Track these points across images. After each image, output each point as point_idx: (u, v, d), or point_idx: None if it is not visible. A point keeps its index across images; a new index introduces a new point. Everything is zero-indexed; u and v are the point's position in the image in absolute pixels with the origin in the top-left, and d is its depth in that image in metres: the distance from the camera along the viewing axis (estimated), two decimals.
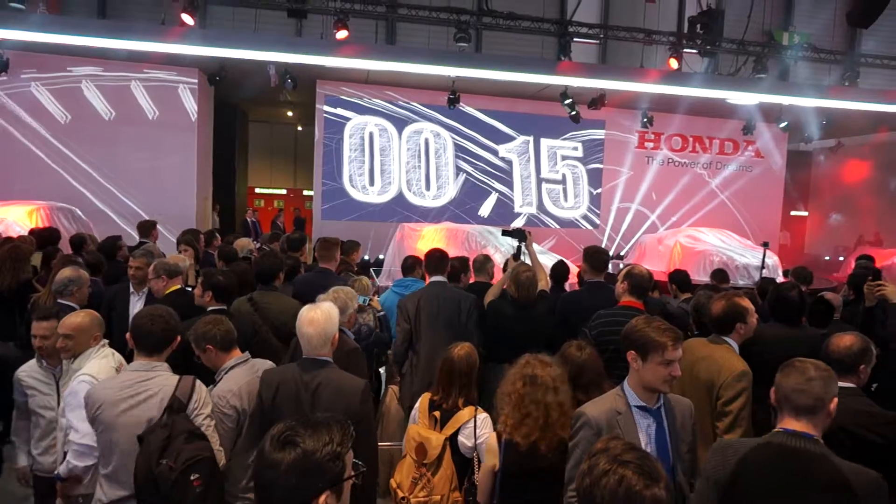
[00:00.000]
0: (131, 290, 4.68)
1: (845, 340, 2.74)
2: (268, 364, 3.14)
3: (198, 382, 2.73)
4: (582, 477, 1.45)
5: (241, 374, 2.95)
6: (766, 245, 9.91)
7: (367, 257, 12.55)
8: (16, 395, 3.31)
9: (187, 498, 2.34)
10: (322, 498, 1.39)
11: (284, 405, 2.63)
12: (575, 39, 12.45)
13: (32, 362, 3.31)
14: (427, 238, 11.04)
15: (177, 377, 2.70)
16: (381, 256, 12.67)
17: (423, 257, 5.00)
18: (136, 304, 4.58)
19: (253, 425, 2.74)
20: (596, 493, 1.39)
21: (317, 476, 1.38)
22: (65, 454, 2.84)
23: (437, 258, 4.80)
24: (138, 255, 4.88)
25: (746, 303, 3.32)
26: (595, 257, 4.59)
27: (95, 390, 2.63)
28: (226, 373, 2.97)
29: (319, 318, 2.72)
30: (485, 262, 5.18)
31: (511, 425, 2.59)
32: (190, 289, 4.42)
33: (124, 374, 2.71)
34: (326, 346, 2.75)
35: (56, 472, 2.84)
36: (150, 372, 2.67)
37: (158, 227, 7.46)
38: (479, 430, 2.95)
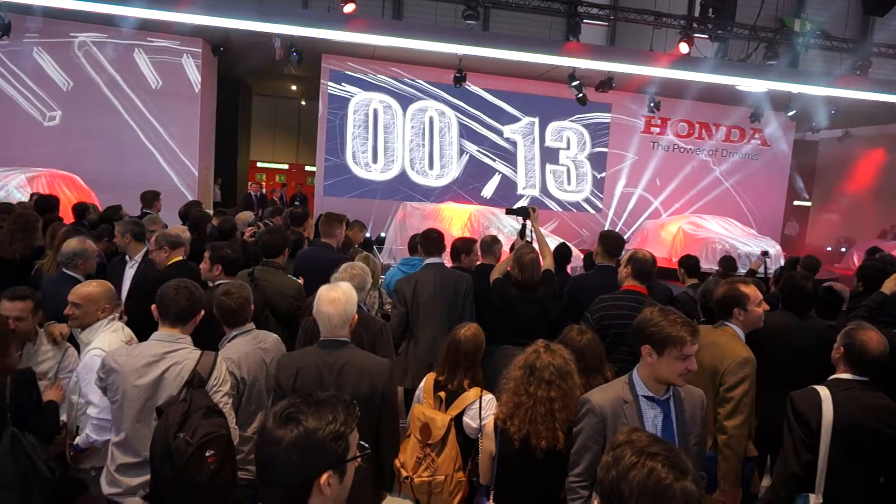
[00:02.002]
0: (126, 258, 4.69)
1: (880, 343, 2.67)
2: (272, 337, 3.14)
3: (219, 359, 2.72)
4: (607, 469, 1.40)
5: (243, 345, 3.00)
6: (766, 254, 9.57)
7: (368, 235, 12.49)
8: None
9: (201, 473, 2.33)
10: (324, 478, 1.36)
11: (307, 389, 2.57)
12: (584, 20, 12.29)
13: None
14: (430, 217, 10.99)
15: (199, 351, 2.68)
16: (382, 234, 12.62)
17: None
18: (128, 273, 4.61)
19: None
20: (623, 486, 1.34)
21: (318, 455, 1.36)
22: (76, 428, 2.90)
23: (434, 239, 4.73)
24: (118, 224, 4.91)
25: (748, 289, 3.25)
26: (611, 241, 4.54)
27: (113, 356, 2.61)
28: (228, 342, 3.02)
29: (340, 297, 2.67)
30: (492, 243, 5.10)
31: (506, 413, 2.57)
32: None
33: (146, 343, 2.69)
34: (346, 327, 2.71)
35: (75, 443, 2.87)
36: (172, 343, 2.65)
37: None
38: (484, 411, 2.93)
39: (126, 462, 2.59)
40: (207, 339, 2.98)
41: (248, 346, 2.99)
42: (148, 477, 2.50)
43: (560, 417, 2.49)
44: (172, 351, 2.63)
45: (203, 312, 2.82)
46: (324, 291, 2.71)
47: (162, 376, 2.57)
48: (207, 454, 2.35)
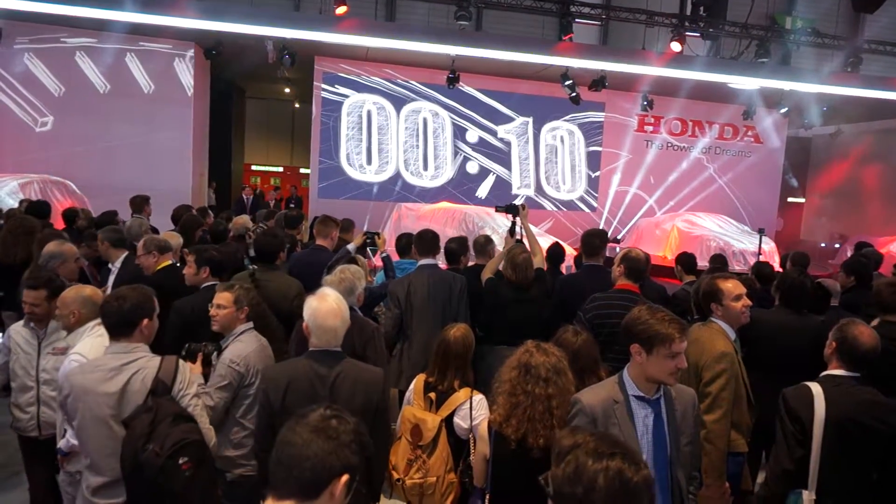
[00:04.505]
0: (109, 266, 4.72)
1: (872, 338, 2.66)
2: (262, 338, 3.19)
3: (181, 362, 2.64)
4: (572, 484, 1.34)
5: (251, 340, 3.09)
6: (761, 231, 9.86)
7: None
8: (1, 350, 3.39)
9: (177, 483, 2.28)
10: (343, 478, 1.39)
11: (298, 402, 2.44)
12: (577, 20, 12.31)
13: (22, 322, 3.39)
14: (425, 218, 10.98)
15: (158, 358, 2.59)
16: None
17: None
18: (109, 279, 4.62)
19: (261, 423, 2.64)
20: (595, 498, 1.31)
21: (346, 450, 1.41)
22: (65, 430, 2.85)
23: (428, 240, 4.67)
24: (99, 231, 4.96)
25: (726, 284, 3.25)
26: (587, 242, 4.56)
27: (68, 377, 2.51)
28: (239, 334, 3.09)
29: (341, 308, 2.58)
30: (486, 243, 5.07)
31: (502, 416, 2.54)
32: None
33: (100, 357, 2.59)
34: (342, 337, 2.63)
35: (58, 447, 2.86)
36: (128, 354, 2.54)
37: (154, 203, 7.39)
38: (474, 411, 2.92)
39: (99, 484, 2.48)
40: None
41: (257, 342, 3.10)
42: (123, 498, 2.43)
43: (557, 414, 2.47)
44: (130, 361, 2.52)
45: (148, 320, 2.64)
46: (321, 305, 2.58)
47: (125, 389, 2.46)
48: (181, 462, 2.30)
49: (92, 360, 2.61)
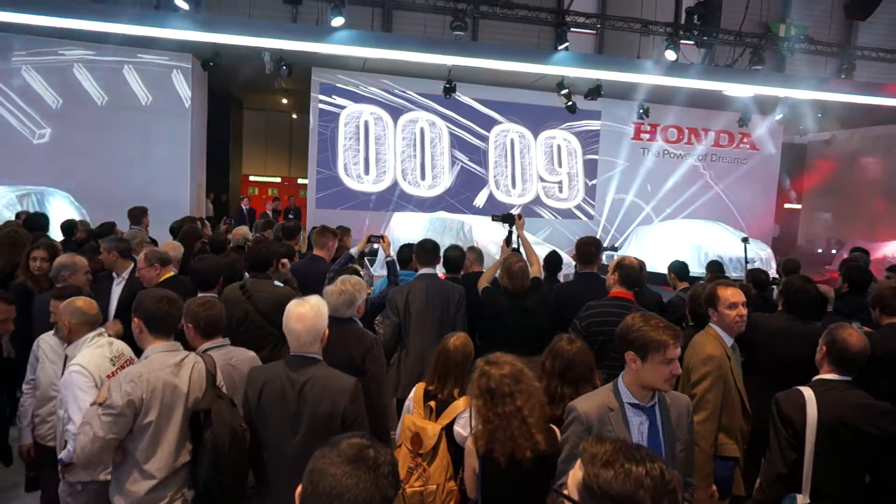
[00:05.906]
0: (113, 275, 4.68)
1: (861, 341, 2.68)
2: (248, 354, 3.15)
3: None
4: (621, 484, 1.33)
5: (216, 358, 3.00)
6: (745, 240, 9.77)
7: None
8: (31, 360, 3.40)
9: (242, 457, 2.57)
10: None
11: (270, 404, 2.59)
12: (572, 29, 12.41)
13: (53, 330, 3.37)
14: (421, 228, 11.01)
15: (197, 356, 2.79)
16: (375, 246, 12.60)
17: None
18: (115, 290, 4.58)
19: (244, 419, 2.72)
20: (642, 497, 1.30)
21: (385, 482, 1.33)
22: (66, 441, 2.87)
23: (429, 250, 4.69)
24: (103, 241, 4.93)
25: (724, 291, 3.28)
26: (582, 250, 4.58)
27: (139, 379, 2.53)
28: (200, 354, 3.02)
29: (308, 313, 2.61)
30: (482, 253, 5.14)
31: (486, 438, 2.53)
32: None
33: (158, 356, 2.67)
34: (316, 344, 2.65)
35: (60, 458, 2.86)
36: (177, 352, 2.72)
37: (152, 214, 7.42)
38: (475, 420, 2.94)
39: (168, 471, 2.57)
40: None
41: (220, 362, 2.96)
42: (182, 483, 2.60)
43: (532, 421, 2.48)
44: (183, 358, 2.70)
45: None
46: (292, 307, 2.64)
47: (189, 381, 2.64)
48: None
49: (152, 358, 2.68)
